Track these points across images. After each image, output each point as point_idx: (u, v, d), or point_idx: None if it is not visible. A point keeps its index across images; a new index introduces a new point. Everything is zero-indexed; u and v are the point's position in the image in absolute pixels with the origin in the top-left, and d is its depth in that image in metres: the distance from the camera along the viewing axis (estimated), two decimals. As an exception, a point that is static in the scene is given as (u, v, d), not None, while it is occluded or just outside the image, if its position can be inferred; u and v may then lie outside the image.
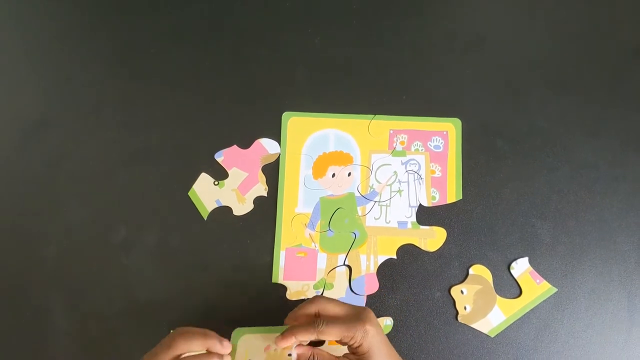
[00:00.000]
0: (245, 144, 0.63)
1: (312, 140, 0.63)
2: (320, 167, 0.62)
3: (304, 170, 0.62)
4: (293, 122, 0.63)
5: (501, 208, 0.60)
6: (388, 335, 0.57)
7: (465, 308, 0.58)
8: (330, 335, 0.48)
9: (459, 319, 0.58)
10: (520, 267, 0.59)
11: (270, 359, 0.56)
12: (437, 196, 0.61)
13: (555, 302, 0.58)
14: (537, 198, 0.61)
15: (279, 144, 0.63)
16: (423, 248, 0.60)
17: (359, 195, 0.62)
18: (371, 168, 0.62)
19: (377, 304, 0.59)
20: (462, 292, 0.58)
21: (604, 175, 0.61)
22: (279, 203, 0.61)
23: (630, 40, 0.65)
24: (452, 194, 0.61)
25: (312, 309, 0.49)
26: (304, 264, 0.60)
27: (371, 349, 0.46)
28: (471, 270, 0.59)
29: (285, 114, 0.64)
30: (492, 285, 0.58)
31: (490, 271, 0.59)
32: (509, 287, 0.59)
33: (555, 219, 0.60)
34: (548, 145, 0.62)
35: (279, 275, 0.60)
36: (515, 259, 0.59)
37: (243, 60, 0.66)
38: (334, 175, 0.62)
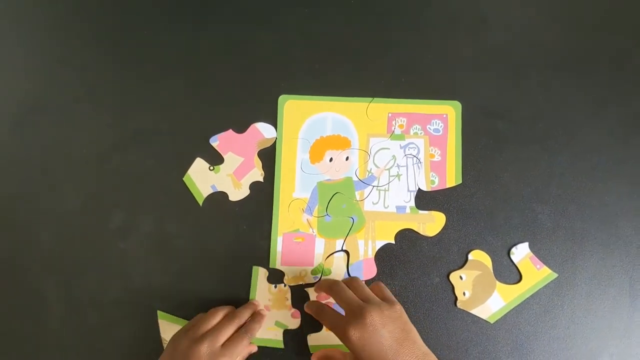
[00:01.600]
0: (241, 128, 0.62)
1: (309, 124, 0.62)
2: (317, 151, 0.61)
3: (300, 154, 0.61)
4: (289, 106, 0.62)
5: (501, 192, 0.60)
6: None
7: (464, 294, 0.57)
8: (323, 323, 0.51)
9: (458, 304, 0.57)
10: (520, 253, 0.58)
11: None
12: (437, 180, 0.60)
13: (555, 287, 0.58)
14: (537, 182, 0.60)
15: (275, 128, 0.62)
16: (422, 233, 0.59)
17: (357, 179, 0.61)
18: (369, 152, 0.61)
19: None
20: (461, 277, 0.58)
21: (606, 159, 0.60)
22: (275, 188, 0.60)
23: (632, 22, 0.64)
24: (452, 178, 0.60)
25: (327, 289, 0.52)
26: (301, 250, 0.59)
27: (354, 351, 0.46)
28: (470, 256, 0.58)
29: (281, 97, 0.62)
30: (492, 271, 0.58)
31: (490, 256, 0.58)
32: (508, 273, 0.58)
33: (556, 204, 0.59)
34: (549, 128, 0.61)
35: (277, 261, 0.59)
36: (515, 244, 0.58)
37: (238, 43, 0.64)
38: (331, 159, 0.61)
